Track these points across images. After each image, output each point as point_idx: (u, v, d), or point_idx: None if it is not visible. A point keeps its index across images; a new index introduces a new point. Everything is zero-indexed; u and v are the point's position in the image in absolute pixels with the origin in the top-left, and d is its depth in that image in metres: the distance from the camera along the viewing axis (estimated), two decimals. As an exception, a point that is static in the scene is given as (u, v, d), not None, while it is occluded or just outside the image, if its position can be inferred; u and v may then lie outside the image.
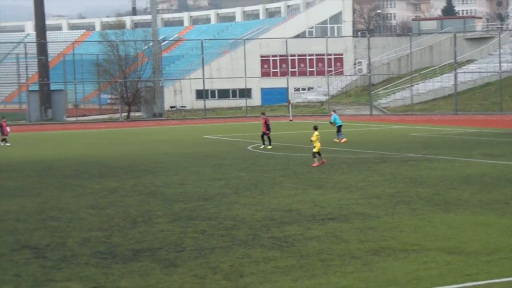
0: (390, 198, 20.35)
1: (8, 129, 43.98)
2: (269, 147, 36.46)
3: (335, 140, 39.39)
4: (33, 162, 32.66)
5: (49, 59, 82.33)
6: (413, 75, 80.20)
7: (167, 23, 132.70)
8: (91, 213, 19.09)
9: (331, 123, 40.61)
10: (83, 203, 20.86)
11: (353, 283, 12.02)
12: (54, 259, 14.10)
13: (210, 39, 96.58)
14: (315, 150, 28.27)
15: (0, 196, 22.51)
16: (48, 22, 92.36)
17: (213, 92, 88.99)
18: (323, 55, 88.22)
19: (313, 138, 28.45)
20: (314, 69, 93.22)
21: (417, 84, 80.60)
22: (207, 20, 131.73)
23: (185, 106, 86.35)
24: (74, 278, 12.70)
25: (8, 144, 42.80)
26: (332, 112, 42.88)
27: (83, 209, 19.74)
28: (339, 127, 40.45)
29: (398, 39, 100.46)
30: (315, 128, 29.27)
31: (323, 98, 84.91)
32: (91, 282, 12.42)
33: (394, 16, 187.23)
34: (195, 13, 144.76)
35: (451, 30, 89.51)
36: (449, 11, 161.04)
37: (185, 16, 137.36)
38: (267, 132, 36.87)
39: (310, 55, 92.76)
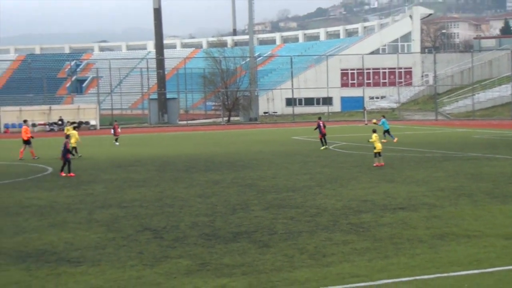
0: (453, 191, 19.89)
1: (119, 130, 44.85)
2: (323, 147, 36.08)
3: (384, 140, 38.11)
4: (153, 159, 33.27)
5: (166, 72, 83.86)
6: (474, 86, 78.18)
7: (262, 42, 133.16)
8: (198, 201, 19.33)
9: (375, 123, 39.70)
10: (192, 192, 21.13)
11: (420, 263, 11.82)
12: (169, 239, 14.33)
13: (298, 55, 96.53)
14: (375, 150, 27.56)
15: (127, 186, 23.03)
16: (165, 41, 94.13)
17: (300, 100, 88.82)
18: (394, 68, 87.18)
19: (371, 140, 27.79)
20: (386, 80, 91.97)
21: (478, 93, 78.47)
22: (295, 39, 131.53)
23: (276, 112, 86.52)
24: (185, 255, 12.89)
25: (117, 143, 43.53)
26: (382, 117, 42.27)
27: (192, 198, 20.01)
28: (387, 131, 39.81)
29: (461, 55, 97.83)
30: (374, 131, 28.63)
31: (394, 105, 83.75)
32: (199, 259, 12.57)
33: (458, 35, 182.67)
34: (285, 33, 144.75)
35: (508, 47, 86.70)
36: (506, 31, 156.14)
37: (277, 36, 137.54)
38: (322, 133, 36.40)
39: (383, 68, 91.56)
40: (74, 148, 33.71)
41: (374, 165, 27.05)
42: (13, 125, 64.24)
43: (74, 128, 36.75)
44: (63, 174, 26.27)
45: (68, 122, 49.18)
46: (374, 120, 38.58)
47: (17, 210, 18.48)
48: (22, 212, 18.05)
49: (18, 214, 17.77)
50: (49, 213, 17.82)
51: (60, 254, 13.16)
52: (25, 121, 39.38)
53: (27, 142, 34.47)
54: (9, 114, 64.56)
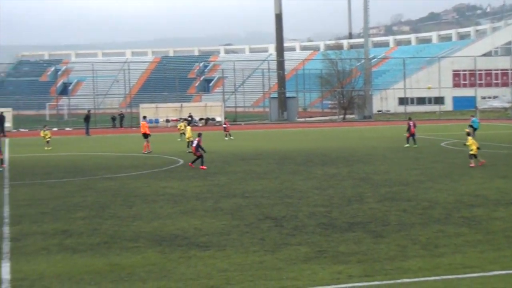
0: None
1: (228, 124, 46.38)
2: (415, 145, 34.62)
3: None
4: (273, 153, 33.45)
5: (285, 73, 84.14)
6: None
7: (376, 45, 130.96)
8: (316, 193, 19.28)
9: (471, 126, 36.76)
10: (310, 185, 21.11)
11: (533, 258, 11.23)
12: (288, 228, 14.39)
13: (410, 57, 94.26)
14: (471, 152, 25.59)
15: (250, 178, 23.28)
16: (285, 44, 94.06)
17: (412, 99, 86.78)
18: (507, 69, 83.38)
19: (467, 143, 25.91)
20: (499, 81, 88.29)
21: None
22: (408, 42, 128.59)
23: (389, 110, 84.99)
24: (304, 243, 12.89)
25: (232, 137, 44.27)
26: (471, 117, 40.50)
27: (309, 190, 19.99)
28: (475, 129, 37.53)
29: None
30: (468, 134, 27.17)
31: (507, 105, 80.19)
32: (316, 246, 12.55)
33: None
34: (398, 37, 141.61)
35: None
36: None
37: (390, 39, 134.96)
38: (412, 132, 35.08)
39: (495, 70, 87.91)
40: (188, 142, 33.72)
41: (470, 165, 25.16)
42: (150, 121, 66.58)
43: (189, 124, 37.19)
44: (203, 167, 26.22)
45: (181, 118, 50.45)
46: (467, 130, 33.63)
47: (154, 197, 19.16)
48: (158, 200, 18.70)
49: (155, 201, 18.42)
50: (180, 201, 18.35)
51: (190, 239, 13.50)
52: (144, 118, 40.74)
53: (145, 136, 35.48)
54: (147, 111, 66.78)
